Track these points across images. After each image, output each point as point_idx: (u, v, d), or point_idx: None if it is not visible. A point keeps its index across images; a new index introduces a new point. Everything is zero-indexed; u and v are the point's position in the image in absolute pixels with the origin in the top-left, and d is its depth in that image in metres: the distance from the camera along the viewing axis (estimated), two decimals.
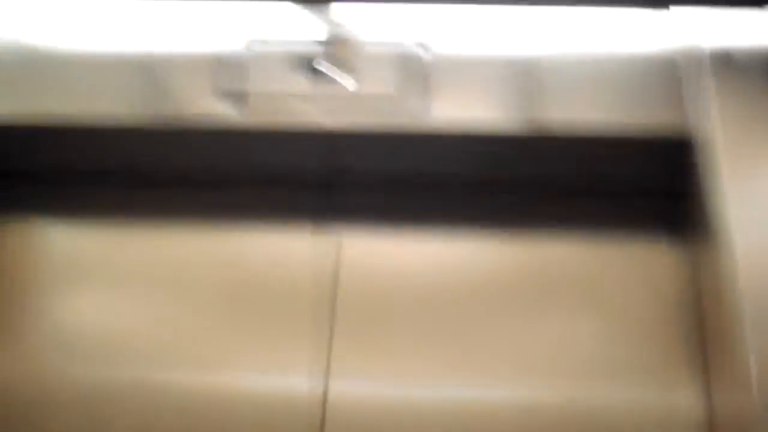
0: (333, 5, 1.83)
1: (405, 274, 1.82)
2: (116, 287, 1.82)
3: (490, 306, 1.78)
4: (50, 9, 1.87)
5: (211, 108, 1.75)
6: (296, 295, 1.79)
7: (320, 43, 1.81)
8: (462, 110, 1.74)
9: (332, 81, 1.77)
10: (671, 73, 1.74)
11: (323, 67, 1.77)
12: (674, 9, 1.78)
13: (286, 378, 1.72)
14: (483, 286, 1.80)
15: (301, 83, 1.77)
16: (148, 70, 1.78)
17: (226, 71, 1.78)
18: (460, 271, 1.82)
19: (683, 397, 1.66)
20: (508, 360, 1.72)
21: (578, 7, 1.81)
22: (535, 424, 1.66)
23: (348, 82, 1.77)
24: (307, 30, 1.83)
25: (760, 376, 1.42)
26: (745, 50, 1.72)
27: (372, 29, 1.83)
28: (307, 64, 1.79)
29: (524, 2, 1.81)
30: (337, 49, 1.80)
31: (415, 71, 1.77)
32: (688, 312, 1.74)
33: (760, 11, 1.76)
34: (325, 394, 1.70)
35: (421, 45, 1.80)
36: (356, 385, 1.72)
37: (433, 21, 1.84)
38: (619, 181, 1.83)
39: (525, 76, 1.76)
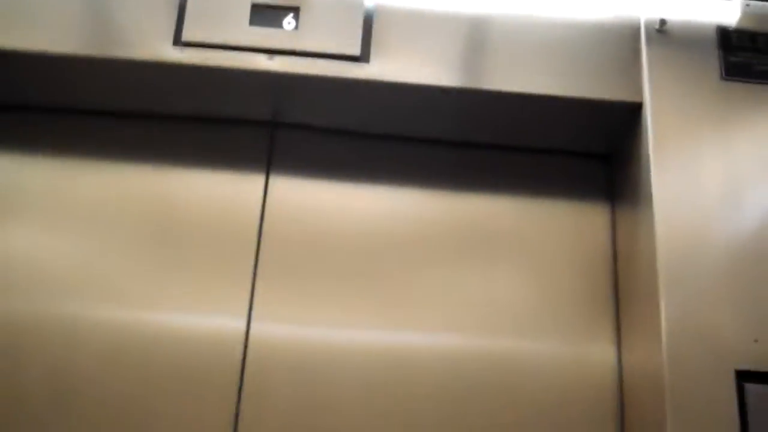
0: None
1: (334, 221, 1.84)
2: (45, 221, 1.81)
3: (419, 258, 1.82)
4: None
5: (152, 43, 1.72)
6: (224, 235, 1.81)
7: None
8: (403, 62, 1.73)
9: (273, 23, 1.74)
10: (612, 41, 1.77)
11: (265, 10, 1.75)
12: None
13: (210, 317, 1.74)
14: (413, 238, 1.84)
15: (242, 23, 1.74)
16: (93, 4, 1.75)
17: (168, 7, 1.75)
18: (389, 223, 1.85)
19: (599, 351, 1.77)
20: (432, 310, 1.78)
21: None
22: (456, 372, 1.74)
23: (288, 26, 1.74)
24: None
25: (668, 331, 1.53)
26: (680, 22, 1.77)
27: None
28: (249, 5, 1.76)
29: None
30: None
31: (360, 19, 1.75)
32: (610, 271, 1.83)
33: (727, 2, 1.78)
34: (246, 333, 1.73)
35: None
36: (278, 327, 1.75)
37: None
38: (556, 141, 1.88)
39: (471, 34, 1.77)
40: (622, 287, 1.79)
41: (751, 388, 1.49)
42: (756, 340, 1.53)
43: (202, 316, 1.75)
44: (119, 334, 1.72)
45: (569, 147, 1.91)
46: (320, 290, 1.79)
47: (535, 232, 1.87)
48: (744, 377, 1.50)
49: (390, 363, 1.74)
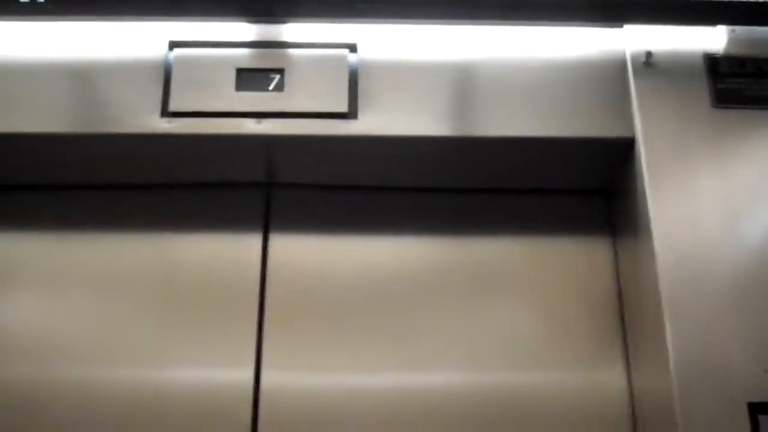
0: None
1: (334, 272, 1.85)
2: (49, 293, 1.82)
3: (422, 302, 1.83)
4: None
5: (141, 115, 1.72)
6: (226, 293, 1.81)
7: (248, 46, 1.80)
8: (391, 115, 1.73)
9: (260, 87, 1.75)
10: (600, 77, 1.77)
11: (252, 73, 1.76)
12: (628, 27, 1.81)
13: (216, 370, 1.75)
14: (415, 284, 1.85)
15: (228, 89, 1.75)
16: (78, 80, 1.76)
17: (152, 78, 1.76)
18: (390, 271, 1.86)
19: (610, 384, 1.76)
20: (442, 351, 1.79)
21: (531, 27, 1.82)
22: (471, 408, 1.74)
23: (275, 88, 1.75)
24: (234, 35, 1.81)
25: (676, 359, 1.53)
26: (666, 52, 1.77)
27: (303, 33, 1.81)
28: (234, 70, 1.77)
29: (464, 21, 1.82)
30: (266, 54, 1.79)
31: (345, 76, 1.76)
32: (615, 303, 1.83)
33: (712, 29, 1.79)
34: (257, 387, 1.74)
35: (351, 48, 1.79)
36: (287, 375, 1.76)
37: (365, 26, 1.82)
38: (552, 181, 1.88)
39: (457, 81, 1.77)
40: (629, 319, 1.78)
41: (764, 420, 1.48)
42: (766, 370, 1.51)
43: (209, 370, 1.75)
44: (129, 395, 1.73)
45: (566, 185, 1.90)
46: (326, 338, 1.78)
47: (539, 269, 1.87)
48: (757, 409, 1.49)
49: (404, 403, 1.73)
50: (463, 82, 1.78)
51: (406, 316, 1.81)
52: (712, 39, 1.80)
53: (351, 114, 1.74)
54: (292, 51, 1.79)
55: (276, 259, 1.86)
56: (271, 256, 1.86)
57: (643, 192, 1.66)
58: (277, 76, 1.76)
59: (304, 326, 1.80)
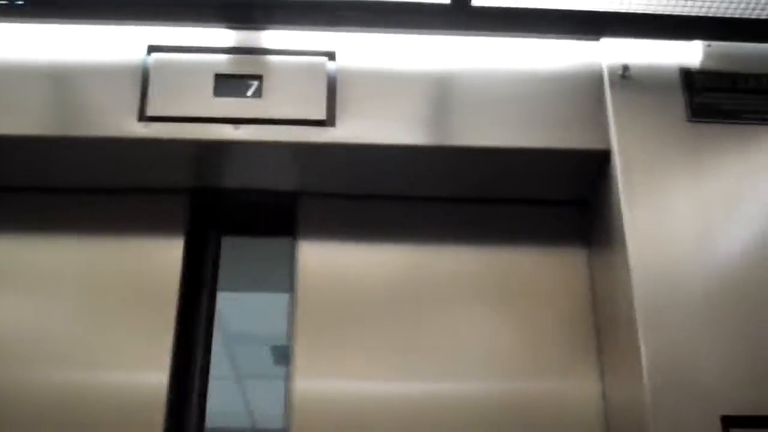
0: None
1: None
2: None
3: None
4: None
5: (117, 120, 1.72)
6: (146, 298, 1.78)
7: (227, 52, 1.80)
8: (368, 123, 1.74)
9: (237, 93, 1.75)
10: (576, 90, 1.79)
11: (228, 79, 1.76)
12: (605, 41, 1.82)
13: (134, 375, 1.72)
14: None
15: (206, 95, 1.75)
16: (55, 82, 1.75)
17: (130, 82, 1.75)
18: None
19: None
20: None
21: (509, 38, 1.83)
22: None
23: (252, 94, 1.75)
24: (213, 41, 1.81)
25: (649, 370, 1.53)
26: (643, 66, 1.78)
27: (282, 40, 1.82)
28: (213, 76, 1.77)
29: (443, 32, 1.83)
30: (244, 60, 1.79)
31: (323, 83, 1.76)
32: (590, 313, 1.83)
33: (688, 44, 1.80)
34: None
35: (330, 56, 1.80)
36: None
37: (344, 34, 1.83)
38: (528, 191, 1.88)
39: (435, 90, 1.78)
40: (603, 330, 1.78)
41: None
42: (740, 385, 1.52)
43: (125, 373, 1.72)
44: (46, 396, 1.68)
45: (542, 195, 1.90)
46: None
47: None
48: (730, 422, 1.50)
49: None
50: (440, 92, 1.79)
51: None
52: (689, 53, 1.81)
53: (328, 121, 1.74)
54: (270, 58, 1.79)
55: None
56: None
57: (618, 204, 1.67)
58: (256, 83, 1.76)
59: None
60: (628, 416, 1.61)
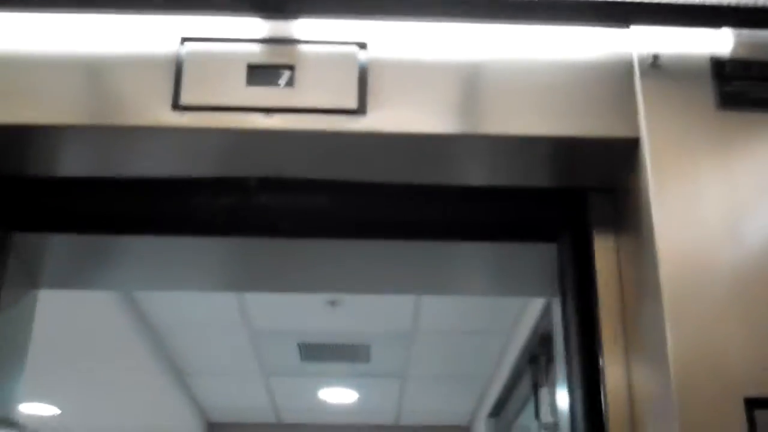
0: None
1: None
2: None
3: None
4: None
5: (151, 109, 1.74)
6: None
7: (260, 42, 1.81)
8: (399, 112, 1.75)
9: (270, 82, 1.77)
10: (607, 79, 1.79)
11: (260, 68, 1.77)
12: (634, 29, 1.82)
13: None
14: None
15: (239, 84, 1.76)
16: (90, 75, 1.77)
17: (164, 72, 1.77)
18: None
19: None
20: None
21: (536, 25, 1.83)
22: None
23: (285, 84, 1.76)
24: (246, 31, 1.82)
25: (675, 355, 1.55)
26: (673, 55, 1.79)
27: (314, 30, 1.83)
28: (245, 66, 1.78)
29: (473, 20, 1.83)
30: (277, 50, 1.81)
31: (355, 73, 1.78)
32: (617, 299, 1.83)
33: (718, 32, 1.80)
34: None
35: (361, 46, 1.80)
36: None
37: (376, 23, 1.83)
38: (557, 178, 1.89)
39: (465, 79, 1.79)
40: (629, 317, 1.79)
41: (760, 415, 1.51)
42: (765, 368, 1.54)
43: None
44: None
45: (572, 183, 1.91)
46: None
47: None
48: (754, 404, 1.52)
49: None
50: (471, 81, 1.79)
51: None
52: (719, 42, 1.81)
53: (359, 110, 1.75)
54: (302, 47, 1.81)
55: None
56: None
57: (647, 192, 1.68)
58: (288, 72, 1.77)
59: None
60: (652, 399, 1.63)
